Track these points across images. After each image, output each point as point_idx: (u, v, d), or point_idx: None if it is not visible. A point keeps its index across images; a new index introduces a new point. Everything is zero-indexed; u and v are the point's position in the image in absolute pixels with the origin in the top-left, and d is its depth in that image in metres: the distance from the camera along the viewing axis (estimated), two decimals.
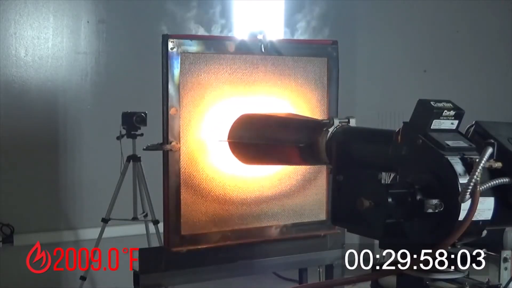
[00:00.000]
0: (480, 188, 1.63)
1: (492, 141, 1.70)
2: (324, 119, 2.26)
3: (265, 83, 2.70)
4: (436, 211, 1.69)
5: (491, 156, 1.68)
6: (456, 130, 1.82)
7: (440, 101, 1.81)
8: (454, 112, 1.80)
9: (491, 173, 1.70)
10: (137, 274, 2.52)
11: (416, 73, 6.91)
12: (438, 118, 1.79)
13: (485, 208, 1.71)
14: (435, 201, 1.69)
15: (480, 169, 1.64)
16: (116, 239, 5.29)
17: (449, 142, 1.76)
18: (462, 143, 1.78)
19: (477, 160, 1.66)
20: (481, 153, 1.68)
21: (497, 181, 1.68)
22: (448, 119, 1.79)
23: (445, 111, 1.79)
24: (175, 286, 2.87)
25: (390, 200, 1.73)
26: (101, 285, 5.41)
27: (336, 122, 2.18)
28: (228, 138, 2.60)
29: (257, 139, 2.54)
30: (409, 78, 6.83)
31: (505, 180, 1.69)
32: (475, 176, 1.63)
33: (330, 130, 2.17)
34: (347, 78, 3.39)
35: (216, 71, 2.60)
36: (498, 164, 1.69)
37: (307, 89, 2.78)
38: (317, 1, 6.27)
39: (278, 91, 2.73)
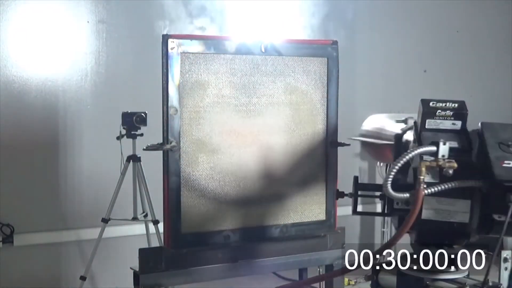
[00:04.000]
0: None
1: (441, 141, 1.71)
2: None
3: (265, 83, 2.70)
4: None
5: (434, 155, 1.72)
6: (461, 131, 1.81)
7: (440, 101, 1.81)
8: (452, 112, 1.79)
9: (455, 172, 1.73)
10: (137, 274, 2.52)
11: (416, 73, 6.91)
12: (432, 118, 1.79)
13: (458, 210, 1.72)
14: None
15: (398, 166, 1.71)
16: (116, 239, 5.29)
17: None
18: (454, 144, 1.77)
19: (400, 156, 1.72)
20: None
21: (419, 151, 1.73)
22: (447, 119, 1.79)
23: (439, 111, 1.79)
24: (175, 286, 2.87)
25: None
26: (101, 285, 5.41)
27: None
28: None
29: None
30: (409, 78, 6.83)
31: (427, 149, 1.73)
32: (392, 172, 1.72)
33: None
34: (347, 78, 3.38)
35: (216, 71, 2.60)
36: (452, 165, 1.69)
37: (307, 89, 2.78)
38: (317, 1, 6.24)
39: (278, 91, 2.73)
